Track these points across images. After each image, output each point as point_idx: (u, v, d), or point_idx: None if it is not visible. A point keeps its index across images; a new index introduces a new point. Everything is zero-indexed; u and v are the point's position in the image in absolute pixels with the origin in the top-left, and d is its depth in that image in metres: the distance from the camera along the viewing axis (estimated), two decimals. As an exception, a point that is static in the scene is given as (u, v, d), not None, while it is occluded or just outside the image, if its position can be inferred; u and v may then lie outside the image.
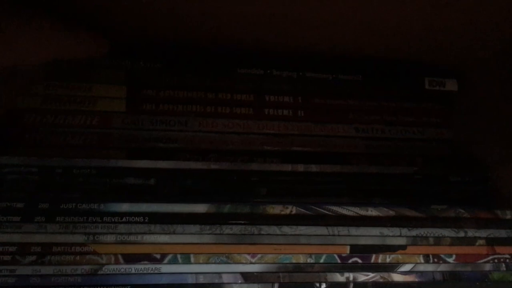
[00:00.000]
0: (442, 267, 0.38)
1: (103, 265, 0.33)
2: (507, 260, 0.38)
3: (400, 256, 0.37)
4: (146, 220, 0.34)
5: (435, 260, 0.38)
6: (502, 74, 0.42)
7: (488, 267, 0.38)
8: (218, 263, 0.35)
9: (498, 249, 0.38)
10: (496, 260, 0.38)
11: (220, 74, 0.41)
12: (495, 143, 0.42)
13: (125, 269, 0.33)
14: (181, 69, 0.41)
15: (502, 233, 0.39)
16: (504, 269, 0.38)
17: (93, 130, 0.40)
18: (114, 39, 0.35)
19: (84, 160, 0.37)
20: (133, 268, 0.33)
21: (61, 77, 0.39)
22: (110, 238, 0.34)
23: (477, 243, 0.38)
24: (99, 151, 0.39)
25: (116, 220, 0.34)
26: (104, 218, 0.34)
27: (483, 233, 0.38)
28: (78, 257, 0.33)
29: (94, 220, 0.34)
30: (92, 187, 0.36)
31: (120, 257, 0.34)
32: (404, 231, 0.37)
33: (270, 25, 0.35)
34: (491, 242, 0.38)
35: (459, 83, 0.44)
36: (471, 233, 0.38)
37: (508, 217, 0.39)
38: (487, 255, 0.38)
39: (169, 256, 0.34)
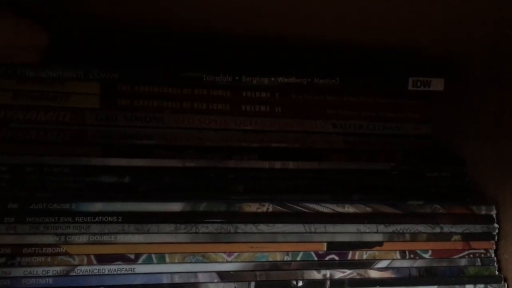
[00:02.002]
0: (418, 263, 0.38)
1: (75, 266, 0.33)
2: (482, 255, 0.39)
3: (376, 253, 0.37)
4: (119, 220, 0.34)
5: (411, 256, 0.38)
6: (482, 72, 0.42)
7: (463, 262, 0.39)
8: (194, 262, 0.34)
9: (473, 244, 0.39)
10: (471, 255, 0.39)
11: (189, 83, 0.40)
12: (472, 139, 0.42)
13: (98, 270, 0.33)
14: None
15: (477, 229, 0.39)
16: (479, 264, 0.39)
17: (65, 126, 0.39)
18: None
19: (56, 158, 0.36)
20: (106, 269, 0.33)
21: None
22: (82, 238, 0.33)
23: (452, 239, 0.38)
24: (72, 149, 0.38)
25: (88, 220, 0.33)
26: (76, 218, 0.33)
27: (458, 228, 0.38)
28: (49, 258, 0.32)
29: (65, 220, 0.33)
30: (65, 186, 0.36)
31: (92, 257, 0.33)
32: (381, 227, 0.37)
33: (245, 20, 0.34)
34: (467, 237, 0.39)
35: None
36: (446, 228, 0.38)
37: (483, 212, 0.39)
38: (463, 250, 0.39)
39: (144, 256, 0.34)
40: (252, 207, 0.36)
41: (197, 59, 0.42)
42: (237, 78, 0.39)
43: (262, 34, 0.37)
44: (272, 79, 0.40)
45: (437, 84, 0.41)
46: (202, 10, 0.33)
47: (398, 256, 0.38)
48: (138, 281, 0.33)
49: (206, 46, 0.41)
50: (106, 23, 0.36)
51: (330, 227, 0.36)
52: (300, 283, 0.35)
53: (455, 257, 0.38)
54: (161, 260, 0.34)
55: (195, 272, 0.34)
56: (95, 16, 0.34)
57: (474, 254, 0.39)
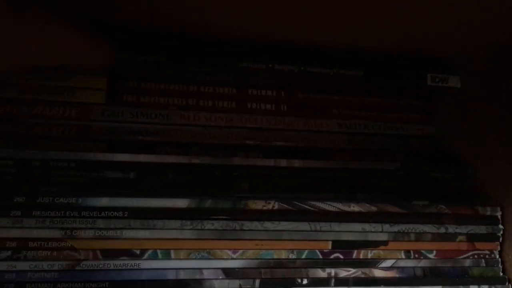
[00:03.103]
0: (423, 263, 0.38)
1: (80, 261, 0.33)
2: (487, 256, 0.39)
3: (381, 252, 0.37)
4: (125, 215, 0.33)
5: (416, 255, 0.38)
6: (485, 74, 0.42)
7: (468, 262, 0.39)
8: (199, 258, 0.34)
9: (478, 245, 0.39)
10: (476, 256, 0.39)
11: (200, 69, 0.40)
12: (476, 139, 0.42)
13: (104, 265, 0.33)
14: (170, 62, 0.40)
15: (482, 229, 0.39)
16: (484, 265, 0.39)
17: (71, 122, 0.39)
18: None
19: (62, 153, 0.36)
20: (112, 264, 0.33)
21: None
22: (88, 233, 0.33)
23: (457, 239, 0.38)
24: (78, 144, 0.38)
25: (94, 215, 0.33)
26: (82, 213, 0.33)
27: (463, 229, 0.38)
28: (55, 253, 0.32)
29: (72, 214, 0.33)
30: (71, 180, 0.35)
31: (98, 252, 0.33)
32: (386, 226, 0.37)
33: (267, 19, 0.34)
34: (471, 238, 0.39)
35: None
36: (451, 229, 0.38)
37: (488, 213, 0.39)
38: (467, 251, 0.39)
39: (149, 252, 0.34)
40: (258, 205, 0.36)
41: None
42: (269, 65, 0.40)
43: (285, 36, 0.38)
44: (302, 68, 0.40)
45: (454, 81, 0.42)
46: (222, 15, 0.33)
47: (403, 256, 0.37)
48: (143, 276, 0.33)
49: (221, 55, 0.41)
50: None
51: (335, 226, 0.36)
52: (305, 281, 0.35)
53: (459, 257, 0.38)
54: (167, 256, 0.34)
55: (200, 269, 0.34)
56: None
57: (478, 255, 0.39)
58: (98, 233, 0.33)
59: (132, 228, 0.33)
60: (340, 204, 0.37)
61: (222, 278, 0.34)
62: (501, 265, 0.39)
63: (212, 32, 0.37)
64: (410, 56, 0.42)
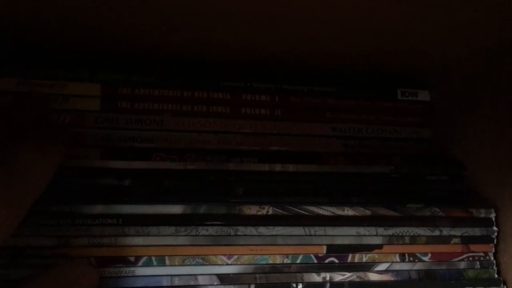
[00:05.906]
0: (418, 266, 0.38)
1: (75, 268, 0.33)
2: (481, 258, 0.39)
3: (376, 256, 0.37)
4: (120, 222, 0.33)
5: (411, 259, 0.38)
6: (479, 76, 0.42)
7: (462, 265, 0.39)
8: (194, 265, 0.34)
9: (473, 247, 0.39)
10: (470, 258, 0.39)
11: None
12: (472, 142, 0.43)
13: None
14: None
15: (477, 232, 0.39)
16: (479, 267, 0.39)
17: (66, 129, 0.39)
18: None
19: (56, 161, 0.36)
20: (107, 271, 0.33)
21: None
22: (82, 241, 0.33)
23: (452, 242, 0.39)
24: (72, 151, 0.38)
25: (89, 223, 0.33)
26: (76, 221, 0.33)
27: (458, 231, 0.39)
28: (49, 261, 0.32)
29: (65, 222, 0.33)
30: (65, 188, 0.35)
31: (93, 260, 0.33)
32: (380, 230, 0.37)
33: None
34: (466, 240, 0.39)
35: (437, 83, 0.45)
36: (446, 231, 0.38)
37: (482, 215, 0.39)
38: (462, 253, 0.39)
39: (144, 259, 0.34)
40: (252, 210, 0.36)
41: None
42: (248, 84, 0.42)
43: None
44: (278, 86, 0.43)
45: (424, 95, 0.45)
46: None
47: (398, 259, 0.38)
48: (138, 283, 0.33)
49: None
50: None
51: (329, 230, 0.37)
52: (300, 286, 0.35)
53: (454, 260, 0.39)
54: (161, 262, 0.34)
55: (195, 275, 0.34)
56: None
57: (473, 257, 0.39)
58: (92, 240, 0.33)
59: (127, 235, 0.34)
60: (335, 208, 0.37)
61: (217, 284, 0.34)
62: (496, 267, 0.39)
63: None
64: (408, 59, 0.43)
